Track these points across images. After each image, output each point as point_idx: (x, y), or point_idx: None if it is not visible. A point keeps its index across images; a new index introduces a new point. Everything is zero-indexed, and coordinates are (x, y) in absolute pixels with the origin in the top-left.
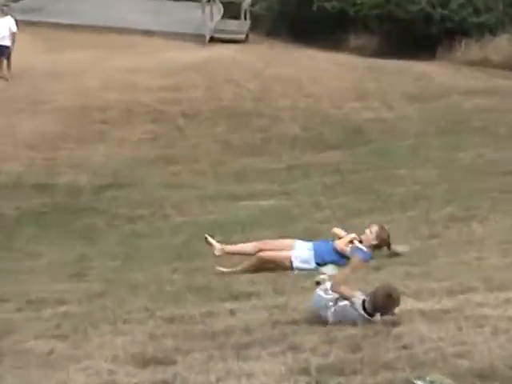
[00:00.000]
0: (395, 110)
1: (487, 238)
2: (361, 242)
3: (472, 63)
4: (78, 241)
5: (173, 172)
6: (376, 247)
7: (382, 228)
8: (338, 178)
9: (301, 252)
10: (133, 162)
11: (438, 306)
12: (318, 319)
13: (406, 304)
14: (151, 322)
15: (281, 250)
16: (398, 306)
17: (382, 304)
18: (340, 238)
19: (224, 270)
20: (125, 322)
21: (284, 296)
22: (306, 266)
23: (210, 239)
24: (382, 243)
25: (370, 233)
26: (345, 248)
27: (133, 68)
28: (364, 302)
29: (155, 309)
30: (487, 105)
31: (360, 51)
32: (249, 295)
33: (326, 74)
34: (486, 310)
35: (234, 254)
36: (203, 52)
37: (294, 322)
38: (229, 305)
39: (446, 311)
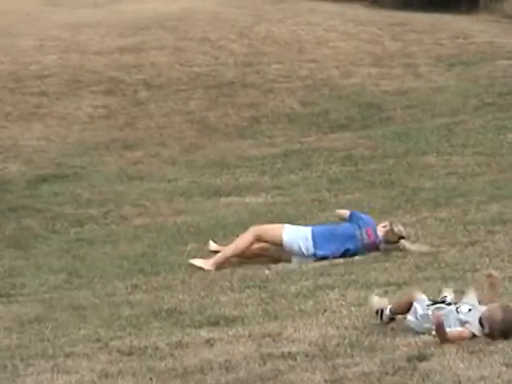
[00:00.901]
0: (423, 79)
1: None
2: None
3: None
4: (5, 250)
5: (132, 160)
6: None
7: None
8: (348, 168)
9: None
10: (79, 147)
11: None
12: (321, 352)
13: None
14: (103, 356)
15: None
16: None
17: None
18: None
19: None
20: (68, 355)
21: (277, 322)
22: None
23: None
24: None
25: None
26: None
27: (78, 24)
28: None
29: (109, 339)
30: None
31: (378, 2)
32: (232, 320)
33: (333, 33)
34: None
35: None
36: (173, 3)
37: (290, 356)
38: (205, 333)
39: (488, 342)
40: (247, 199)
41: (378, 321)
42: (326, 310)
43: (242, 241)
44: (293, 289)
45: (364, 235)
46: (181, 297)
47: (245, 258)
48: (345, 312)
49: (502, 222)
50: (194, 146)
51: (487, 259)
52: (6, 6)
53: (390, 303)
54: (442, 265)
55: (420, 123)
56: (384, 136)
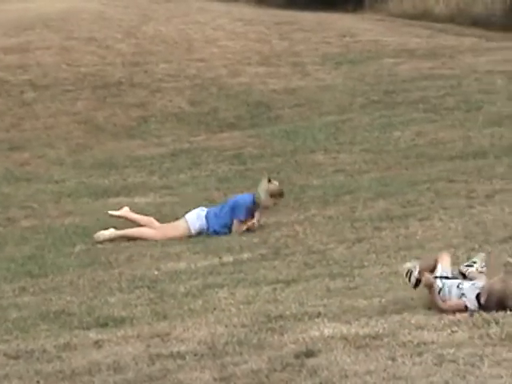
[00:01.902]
0: (311, 77)
1: (429, 241)
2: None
3: (409, 16)
4: None
5: (19, 161)
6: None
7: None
8: (237, 167)
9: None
10: None
11: (365, 330)
12: (210, 351)
13: (322, 329)
14: None
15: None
16: None
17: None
18: None
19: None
20: None
21: (166, 322)
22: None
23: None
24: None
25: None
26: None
27: None
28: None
29: None
30: (429, 70)
31: (266, 1)
32: (120, 321)
33: (221, 32)
34: (426, 335)
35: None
36: (57, 2)
37: (179, 356)
38: (93, 334)
39: (375, 336)
40: (136, 199)
41: (407, 282)
42: (215, 309)
43: (148, 235)
44: (182, 288)
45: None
46: (69, 298)
47: None
48: (234, 310)
49: (388, 218)
50: (81, 147)
51: (374, 255)
52: None
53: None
54: (330, 262)
55: (308, 121)
56: (272, 134)
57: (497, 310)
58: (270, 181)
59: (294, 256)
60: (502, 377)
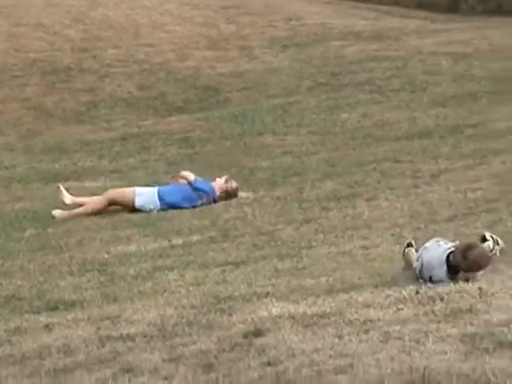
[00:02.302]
0: (258, 61)
1: (376, 221)
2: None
3: None
4: None
5: None
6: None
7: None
8: (185, 151)
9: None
10: None
11: (312, 310)
12: (159, 332)
13: (270, 308)
14: None
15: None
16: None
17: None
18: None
19: (61, 212)
20: None
21: (116, 304)
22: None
23: (61, 188)
24: (231, 195)
25: (225, 182)
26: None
27: None
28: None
29: None
30: (374, 51)
31: None
32: (71, 305)
33: (168, 17)
34: (372, 312)
35: (83, 204)
36: None
37: (128, 338)
38: (44, 318)
39: (322, 315)
40: (86, 183)
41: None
42: (164, 291)
43: (96, 204)
44: (132, 271)
45: (202, 200)
46: (19, 283)
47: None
48: (183, 292)
49: (335, 198)
50: (31, 132)
51: (322, 235)
52: None
53: None
54: (279, 243)
55: (256, 104)
56: (221, 118)
57: (462, 266)
58: (227, 181)
59: (243, 238)
60: (446, 352)
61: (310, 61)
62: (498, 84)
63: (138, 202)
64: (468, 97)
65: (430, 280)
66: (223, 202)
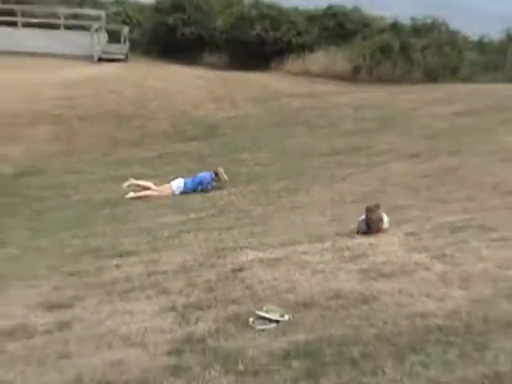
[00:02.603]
0: (240, 110)
1: (310, 204)
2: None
3: (297, 73)
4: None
5: (71, 162)
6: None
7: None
8: (198, 163)
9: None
10: (41, 155)
11: (273, 255)
12: (183, 269)
13: (248, 255)
14: (55, 277)
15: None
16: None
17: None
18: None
19: (132, 194)
20: (35, 277)
21: (157, 253)
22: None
23: (132, 180)
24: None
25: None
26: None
27: (39, 82)
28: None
29: (58, 266)
30: (309, 104)
31: (213, 66)
32: (131, 253)
33: (188, 85)
34: (307, 257)
35: (145, 187)
36: (93, 69)
37: (164, 272)
38: (115, 261)
39: (278, 259)
40: (140, 182)
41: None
42: (185, 245)
43: (157, 192)
44: (166, 233)
45: (203, 185)
46: (100, 240)
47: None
48: (196, 245)
49: (286, 190)
50: (107, 152)
51: (278, 213)
52: None
53: None
54: (252, 217)
55: (239, 135)
56: (218, 143)
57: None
58: (216, 174)
59: (231, 214)
60: (350, 280)
61: (270, 110)
62: (381, 123)
63: (173, 187)
64: (363, 130)
65: (364, 230)
66: (218, 193)
